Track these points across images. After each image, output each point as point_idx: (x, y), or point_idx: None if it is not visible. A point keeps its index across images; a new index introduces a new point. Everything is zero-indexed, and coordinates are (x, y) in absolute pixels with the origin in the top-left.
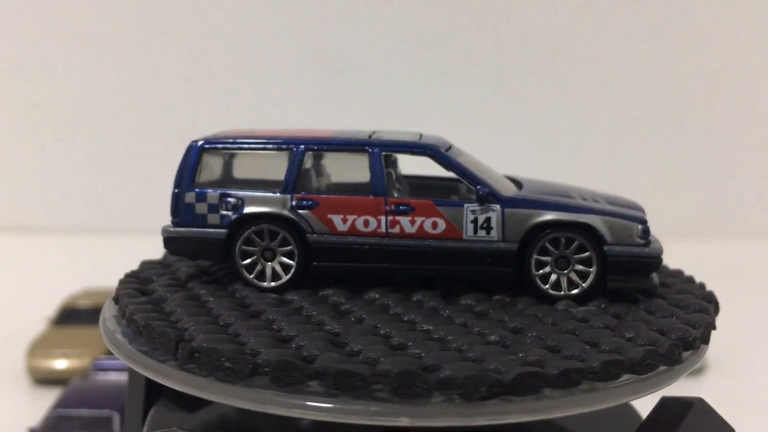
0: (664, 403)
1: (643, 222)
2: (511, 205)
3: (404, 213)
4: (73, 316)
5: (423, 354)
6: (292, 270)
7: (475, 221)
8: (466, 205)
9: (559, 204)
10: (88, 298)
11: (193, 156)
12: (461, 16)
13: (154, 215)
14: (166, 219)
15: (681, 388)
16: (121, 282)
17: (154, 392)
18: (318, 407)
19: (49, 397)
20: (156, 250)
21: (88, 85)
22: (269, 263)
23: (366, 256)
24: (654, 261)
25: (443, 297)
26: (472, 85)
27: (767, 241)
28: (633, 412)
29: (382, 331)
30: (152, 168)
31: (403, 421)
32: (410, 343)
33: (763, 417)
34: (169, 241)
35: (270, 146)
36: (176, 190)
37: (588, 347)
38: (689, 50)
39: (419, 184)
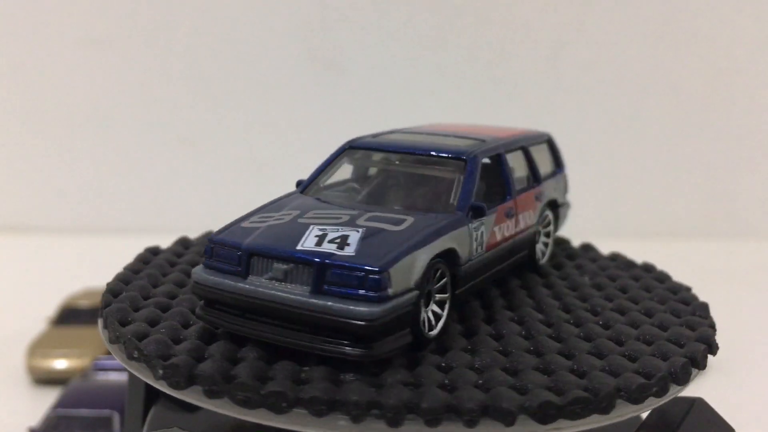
0: (665, 403)
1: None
2: None
3: None
4: (73, 316)
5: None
6: None
7: None
8: None
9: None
10: (88, 298)
11: None
12: (461, 16)
13: (154, 215)
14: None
15: None
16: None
17: (154, 392)
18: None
19: (49, 397)
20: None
21: (88, 86)
22: None
23: None
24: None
25: None
26: (472, 85)
27: (767, 241)
28: None
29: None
30: (152, 168)
31: None
32: None
33: (763, 417)
34: None
35: None
36: None
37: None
38: (690, 51)
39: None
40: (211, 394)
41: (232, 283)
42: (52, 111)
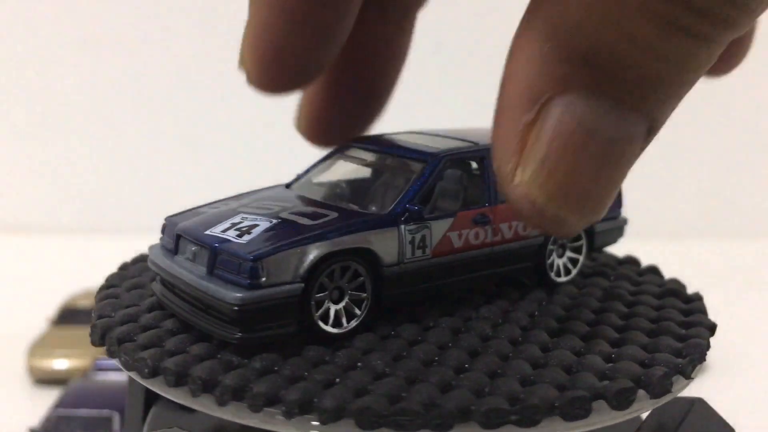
0: (665, 403)
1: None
2: None
3: None
4: (73, 316)
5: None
6: None
7: None
8: None
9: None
10: (88, 298)
11: None
12: (462, 16)
13: (154, 215)
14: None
15: None
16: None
17: (154, 392)
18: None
19: (49, 397)
20: None
21: (89, 86)
22: None
23: None
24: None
25: None
26: (472, 85)
27: (767, 241)
28: None
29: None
30: (152, 168)
31: None
32: None
33: (763, 417)
34: None
35: None
36: None
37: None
38: None
39: None
40: (109, 353)
41: (163, 259)
42: (53, 112)
